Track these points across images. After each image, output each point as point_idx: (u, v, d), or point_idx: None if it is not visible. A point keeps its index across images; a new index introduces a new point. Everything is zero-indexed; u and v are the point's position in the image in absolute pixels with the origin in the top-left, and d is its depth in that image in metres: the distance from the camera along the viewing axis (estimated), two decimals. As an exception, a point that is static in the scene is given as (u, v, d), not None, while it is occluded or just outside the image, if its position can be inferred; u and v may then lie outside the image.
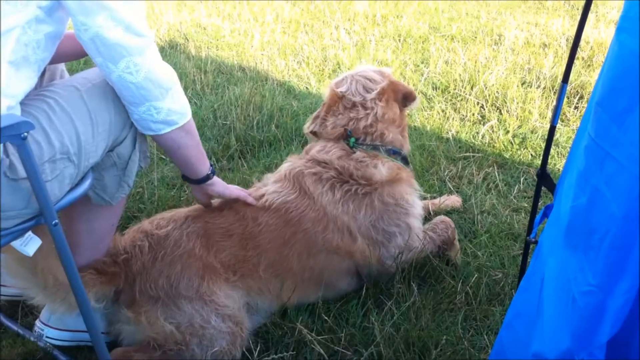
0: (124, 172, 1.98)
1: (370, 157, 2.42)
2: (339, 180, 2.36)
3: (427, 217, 2.87)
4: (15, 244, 1.69)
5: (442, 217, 2.62)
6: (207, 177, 2.12)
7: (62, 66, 2.19)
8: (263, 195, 2.32)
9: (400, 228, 2.39)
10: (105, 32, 1.64)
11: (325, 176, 2.36)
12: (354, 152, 2.41)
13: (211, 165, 2.13)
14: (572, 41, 1.60)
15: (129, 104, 1.80)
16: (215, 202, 2.32)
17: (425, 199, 3.02)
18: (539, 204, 1.95)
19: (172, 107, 1.83)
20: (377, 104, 2.48)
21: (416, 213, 2.47)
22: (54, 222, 1.64)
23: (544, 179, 1.84)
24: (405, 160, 2.57)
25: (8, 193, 1.60)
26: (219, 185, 2.19)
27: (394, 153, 2.51)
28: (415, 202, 2.49)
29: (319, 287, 2.32)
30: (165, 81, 1.79)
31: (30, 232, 1.73)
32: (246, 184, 2.82)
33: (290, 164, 2.46)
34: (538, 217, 1.84)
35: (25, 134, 1.49)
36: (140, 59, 1.71)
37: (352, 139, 2.44)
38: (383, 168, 2.42)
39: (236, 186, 2.32)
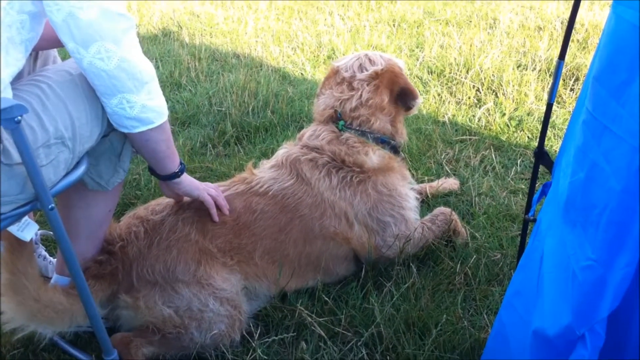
0: (119, 158, 1.97)
1: (360, 142, 2.40)
2: (334, 165, 2.34)
3: (425, 201, 2.87)
4: (12, 229, 1.68)
5: (442, 209, 2.60)
6: (175, 175, 2.02)
7: (54, 52, 2.17)
8: (258, 182, 2.31)
9: (394, 219, 2.38)
10: (79, 12, 1.57)
11: (321, 162, 2.34)
12: (342, 134, 2.40)
13: (182, 163, 2.03)
14: (566, 23, 1.59)
15: (102, 95, 1.72)
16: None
17: (422, 182, 3.01)
18: (537, 183, 1.95)
19: (147, 104, 1.74)
20: (363, 86, 2.43)
21: (410, 205, 2.46)
22: (50, 207, 1.63)
23: (542, 157, 1.83)
24: (394, 150, 2.52)
25: (3, 179, 1.59)
26: (186, 185, 2.08)
27: (383, 142, 2.47)
28: (408, 194, 2.47)
29: (317, 273, 2.32)
30: (141, 73, 1.70)
31: (26, 218, 1.72)
32: (242, 170, 2.81)
33: (286, 150, 2.45)
34: (536, 195, 1.83)
35: (19, 117, 1.47)
36: (113, 45, 1.62)
37: (341, 122, 2.42)
38: (374, 156, 2.40)
39: (210, 187, 2.20)
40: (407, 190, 2.48)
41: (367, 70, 2.45)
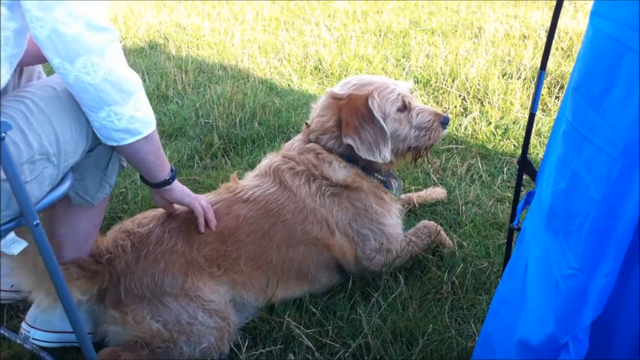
0: (104, 172, 1.97)
1: (326, 151, 2.39)
2: (311, 174, 2.36)
3: (412, 210, 2.89)
4: (-1, 246, 1.67)
5: (426, 222, 2.60)
6: (165, 182, 2.03)
7: (39, 67, 2.17)
8: (242, 190, 2.32)
9: (374, 233, 2.38)
10: (63, 27, 1.55)
11: (299, 169, 2.36)
12: (308, 144, 2.41)
13: (172, 170, 2.04)
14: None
15: (89, 109, 1.71)
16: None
17: (410, 191, 3.03)
18: (522, 192, 1.96)
19: (134, 115, 1.73)
20: (321, 102, 2.45)
21: (390, 222, 2.43)
22: (35, 223, 1.63)
23: (525, 166, 1.85)
24: (366, 171, 2.42)
25: (-12, 195, 1.59)
26: (177, 192, 2.09)
27: (349, 160, 2.39)
28: (384, 212, 2.42)
29: (301, 281, 2.33)
30: (127, 85, 1.69)
31: (12, 233, 1.71)
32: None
33: (269, 160, 2.47)
34: (520, 204, 1.85)
35: (3, 134, 1.47)
36: (99, 59, 1.61)
37: (312, 135, 2.45)
38: (339, 170, 2.36)
39: (202, 197, 2.20)
40: (382, 210, 2.42)
41: (339, 91, 2.42)
